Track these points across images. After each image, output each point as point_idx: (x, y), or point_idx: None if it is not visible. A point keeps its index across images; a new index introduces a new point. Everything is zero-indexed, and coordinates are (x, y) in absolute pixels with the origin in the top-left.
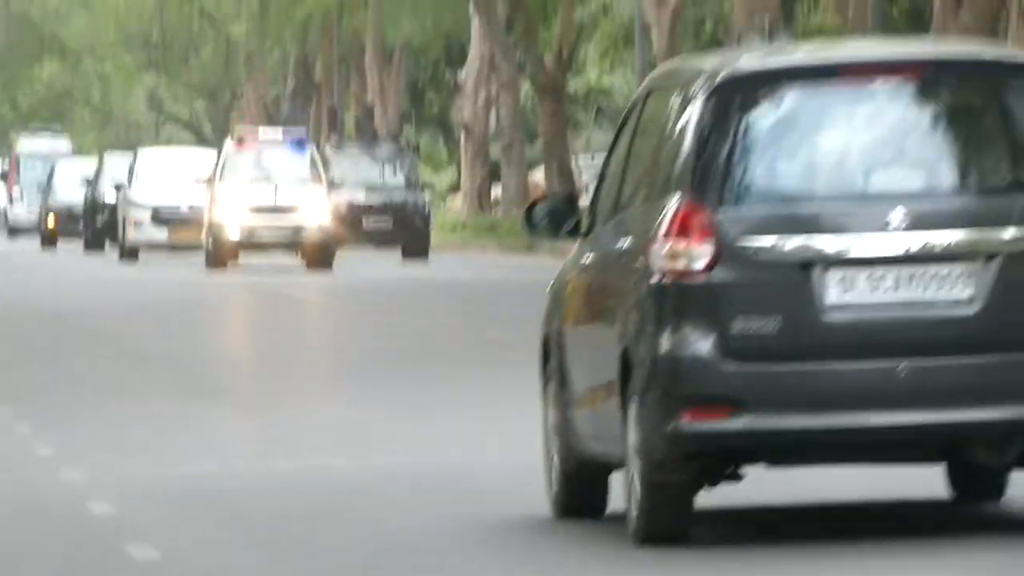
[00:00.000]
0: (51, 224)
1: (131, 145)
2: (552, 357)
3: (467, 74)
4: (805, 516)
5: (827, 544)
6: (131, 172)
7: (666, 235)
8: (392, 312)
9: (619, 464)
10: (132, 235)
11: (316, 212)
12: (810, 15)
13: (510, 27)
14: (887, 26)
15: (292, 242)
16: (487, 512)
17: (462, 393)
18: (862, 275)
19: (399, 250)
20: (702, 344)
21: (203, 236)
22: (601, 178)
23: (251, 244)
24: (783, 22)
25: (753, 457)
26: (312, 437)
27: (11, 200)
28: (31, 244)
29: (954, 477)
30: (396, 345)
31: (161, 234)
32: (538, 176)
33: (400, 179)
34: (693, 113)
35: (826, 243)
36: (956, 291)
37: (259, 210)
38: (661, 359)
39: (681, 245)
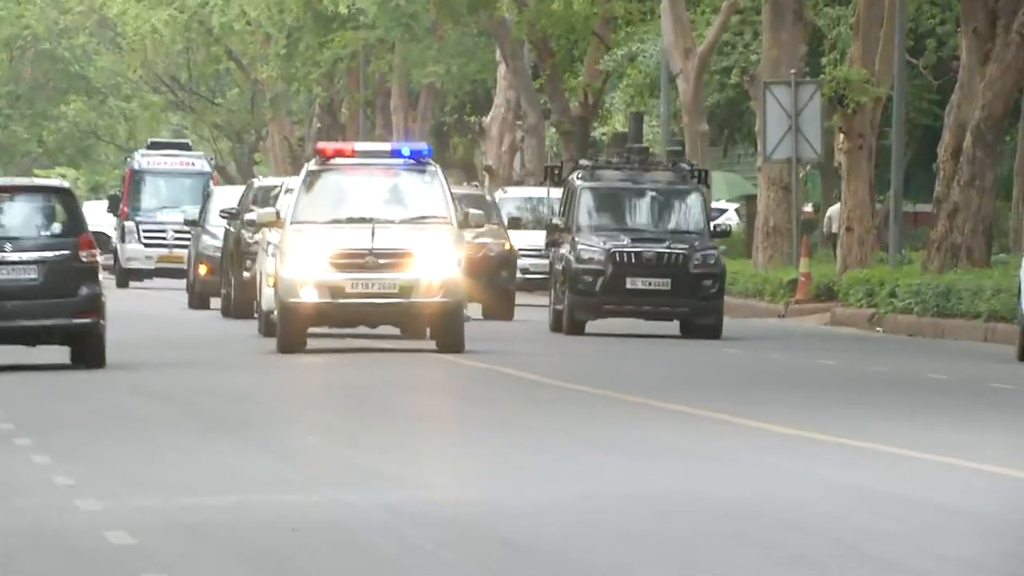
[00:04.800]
0: (203, 273)
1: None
2: None
3: (492, 119)
4: None
5: None
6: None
7: None
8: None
9: None
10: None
11: (440, 264)
12: (836, 67)
13: (536, 73)
14: (913, 78)
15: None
16: None
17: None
18: None
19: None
20: None
21: (261, 301)
22: None
23: (337, 313)
24: (808, 73)
25: None
26: (327, 473)
27: (123, 236)
28: (154, 299)
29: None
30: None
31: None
32: None
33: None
34: None
35: None
36: (29, 276)
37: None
38: None
39: None
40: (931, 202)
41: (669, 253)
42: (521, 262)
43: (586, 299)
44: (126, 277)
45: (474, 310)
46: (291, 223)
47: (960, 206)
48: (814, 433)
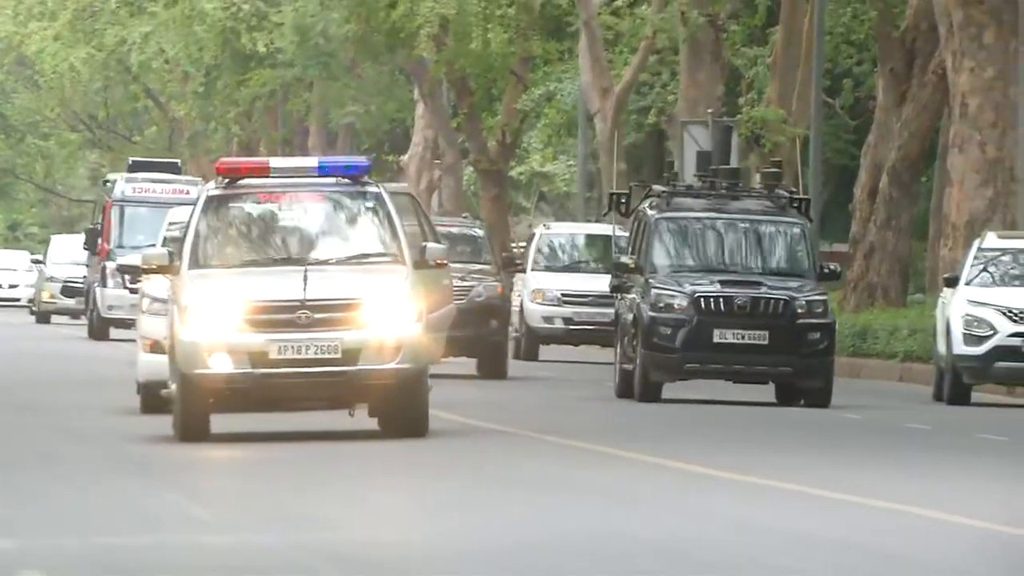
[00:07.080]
0: None
1: (72, 223)
2: None
3: (410, 157)
4: None
5: None
6: None
7: None
8: None
9: None
10: None
11: (396, 318)
12: (753, 106)
13: (454, 112)
14: (830, 118)
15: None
16: None
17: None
18: None
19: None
20: None
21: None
22: None
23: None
24: (725, 113)
25: None
26: (244, 514)
27: (104, 279)
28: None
29: None
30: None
31: None
32: None
33: None
34: None
35: None
36: None
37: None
38: None
39: None
40: (847, 242)
41: (766, 299)
42: (563, 310)
43: (664, 356)
44: (105, 327)
45: (469, 367)
46: (190, 268)
47: (876, 246)
48: (730, 473)
